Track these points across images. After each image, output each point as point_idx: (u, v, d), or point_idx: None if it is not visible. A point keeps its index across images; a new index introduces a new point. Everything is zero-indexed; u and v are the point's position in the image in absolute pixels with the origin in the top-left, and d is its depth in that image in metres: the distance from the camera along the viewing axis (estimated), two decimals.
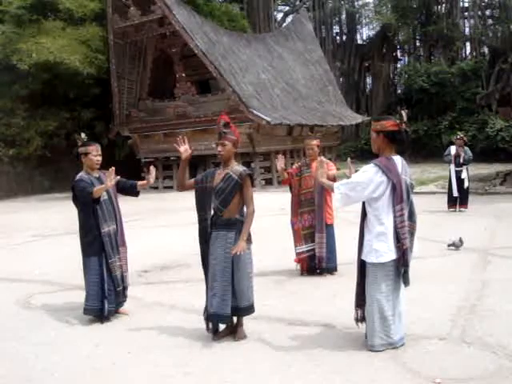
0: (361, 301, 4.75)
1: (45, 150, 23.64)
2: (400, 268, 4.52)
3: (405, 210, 4.50)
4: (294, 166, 7.90)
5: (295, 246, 7.52)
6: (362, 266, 4.69)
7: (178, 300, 6.45)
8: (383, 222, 4.47)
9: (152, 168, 6.15)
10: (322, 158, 6.85)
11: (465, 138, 13.76)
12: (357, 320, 4.84)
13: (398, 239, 4.47)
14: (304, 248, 7.43)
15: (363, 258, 4.60)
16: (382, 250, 4.46)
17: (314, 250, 7.39)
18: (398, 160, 4.57)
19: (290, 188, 7.72)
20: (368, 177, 4.43)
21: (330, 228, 7.48)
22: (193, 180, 5.15)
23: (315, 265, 7.38)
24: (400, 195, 4.46)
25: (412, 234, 4.60)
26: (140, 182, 6.28)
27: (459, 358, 4.38)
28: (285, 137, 23.76)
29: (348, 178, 4.89)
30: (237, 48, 24.39)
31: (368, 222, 4.56)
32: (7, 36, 22.01)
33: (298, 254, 7.50)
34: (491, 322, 5.18)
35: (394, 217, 4.47)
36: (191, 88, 23.61)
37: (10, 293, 7.13)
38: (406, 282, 4.63)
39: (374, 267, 4.52)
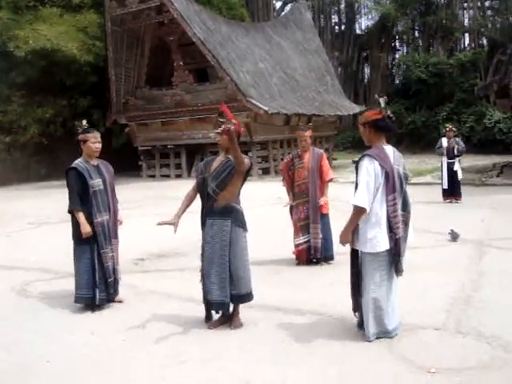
0: (356, 291, 4.74)
1: (41, 137, 23.54)
2: (393, 258, 4.53)
3: (397, 200, 4.49)
4: (285, 160, 7.89)
5: (294, 238, 7.52)
6: (355, 255, 4.69)
7: (174, 288, 6.45)
8: (377, 211, 4.45)
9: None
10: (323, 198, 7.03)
11: (454, 129, 13.74)
12: (354, 310, 4.84)
13: (391, 229, 4.47)
14: (301, 240, 7.44)
15: (358, 247, 4.58)
16: (377, 240, 4.44)
17: (309, 241, 7.41)
18: (389, 149, 4.58)
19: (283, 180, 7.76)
20: (370, 170, 4.40)
21: (325, 217, 7.49)
22: (195, 181, 5.22)
23: (312, 255, 7.40)
24: (392, 184, 4.46)
25: (406, 223, 4.60)
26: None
27: (454, 348, 4.40)
28: (282, 126, 23.71)
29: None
30: (235, 37, 24.28)
31: None
32: (4, 22, 21.86)
33: (296, 245, 7.51)
34: (486, 312, 5.20)
35: (387, 206, 4.46)
36: (189, 76, 23.52)
37: (5, 280, 7.13)
38: (399, 272, 4.62)
39: (368, 257, 4.52)
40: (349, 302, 4.94)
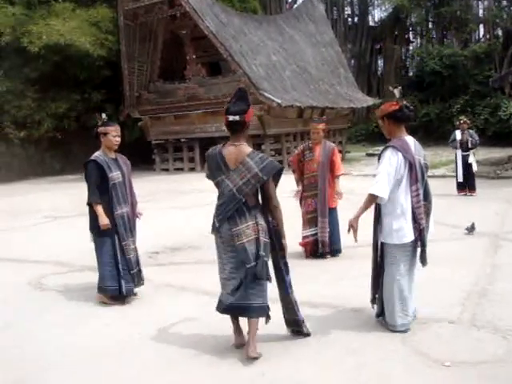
0: (377, 283, 4.78)
1: (55, 132, 23.67)
2: (417, 248, 4.59)
3: (420, 190, 4.55)
4: (296, 151, 7.86)
5: (302, 230, 7.53)
6: (377, 248, 4.73)
7: (188, 282, 6.47)
8: (402, 202, 4.50)
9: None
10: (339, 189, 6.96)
11: (468, 122, 13.64)
12: (373, 302, 4.89)
13: (415, 219, 4.52)
14: (308, 232, 7.45)
15: (382, 239, 4.62)
16: (403, 231, 4.50)
17: (316, 234, 7.41)
18: (410, 140, 4.62)
19: (294, 171, 7.72)
20: (393, 161, 4.43)
21: (333, 211, 7.50)
22: None
23: (318, 249, 7.40)
24: (415, 175, 4.50)
25: (428, 214, 4.64)
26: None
27: (469, 341, 4.38)
28: (295, 119, 23.64)
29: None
30: (247, 29, 24.22)
31: (386, 203, 4.54)
32: (17, 18, 21.94)
33: (303, 237, 7.52)
34: (501, 306, 5.17)
35: (411, 197, 4.51)
36: (202, 70, 23.51)
37: (22, 273, 7.20)
38: (424, 262, 4.69)
39: (393, 248, 4.56)
40: (363, 294, 4.95)
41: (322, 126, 7.48)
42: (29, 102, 22.79)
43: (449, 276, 6.21)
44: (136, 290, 6.03)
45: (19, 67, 22.19)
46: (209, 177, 4.49)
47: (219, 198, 4.37)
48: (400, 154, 4.44)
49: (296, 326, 4.62)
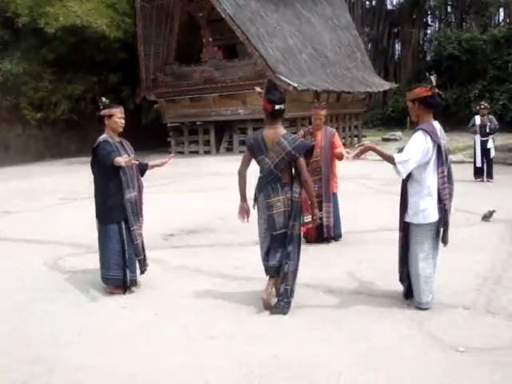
0: (404, 262, 4.92)
1: (72, 113, 23.77)
2: (440, 228, 4.75)
3: (445, 173, 4.72)
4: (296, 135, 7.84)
5: (304, 216, 7.50)
6: (402, 228, 4.88)
7: (203, 264, 6.50)
8: (429, 184, 4.67)
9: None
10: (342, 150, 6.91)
11: (488, 107, 13.52)
12: (401, 281, 5.02)
13: (440, 200, 4.69)
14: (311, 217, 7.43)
15: (408, 219, 4.77)
16: (429, 211, 4.67)
17: (321, 219, 7.39)
18: (436, 125, 4.76)
19: None
20: (423, 144, 4.58)
21: (334, 196, 7.53)
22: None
23: (323, 234, 7.40)
24: (443, 157, 4.66)
25: (451, 195, 4.81)
26: (154, 163, 6.08)
27: (483, 327, 4.38)
28: (311, 103, 23.47)
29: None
30: (264, 12, 24.04)
31: (413, 184, 4.72)
32: None
33: (305, 223, 7.50)
34: None
35: (438, 178, 4.68)
36: (218, 53, 23.45)
37: (38, 255, 7.25)
38: (446, 242, 4.86)
39: (418, 228, 4.73)
40: (378, 279, 4.97)
41: (324, 112, 7.53)
42: (45, 83, 22.87)
43: (464, 262, 6.19)
44: (147, 272, 6.01)
45: (36, 49, 22.26)
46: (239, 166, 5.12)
47: (260, 173, 5.04)
48: (429, 137, 4.60)
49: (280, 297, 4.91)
